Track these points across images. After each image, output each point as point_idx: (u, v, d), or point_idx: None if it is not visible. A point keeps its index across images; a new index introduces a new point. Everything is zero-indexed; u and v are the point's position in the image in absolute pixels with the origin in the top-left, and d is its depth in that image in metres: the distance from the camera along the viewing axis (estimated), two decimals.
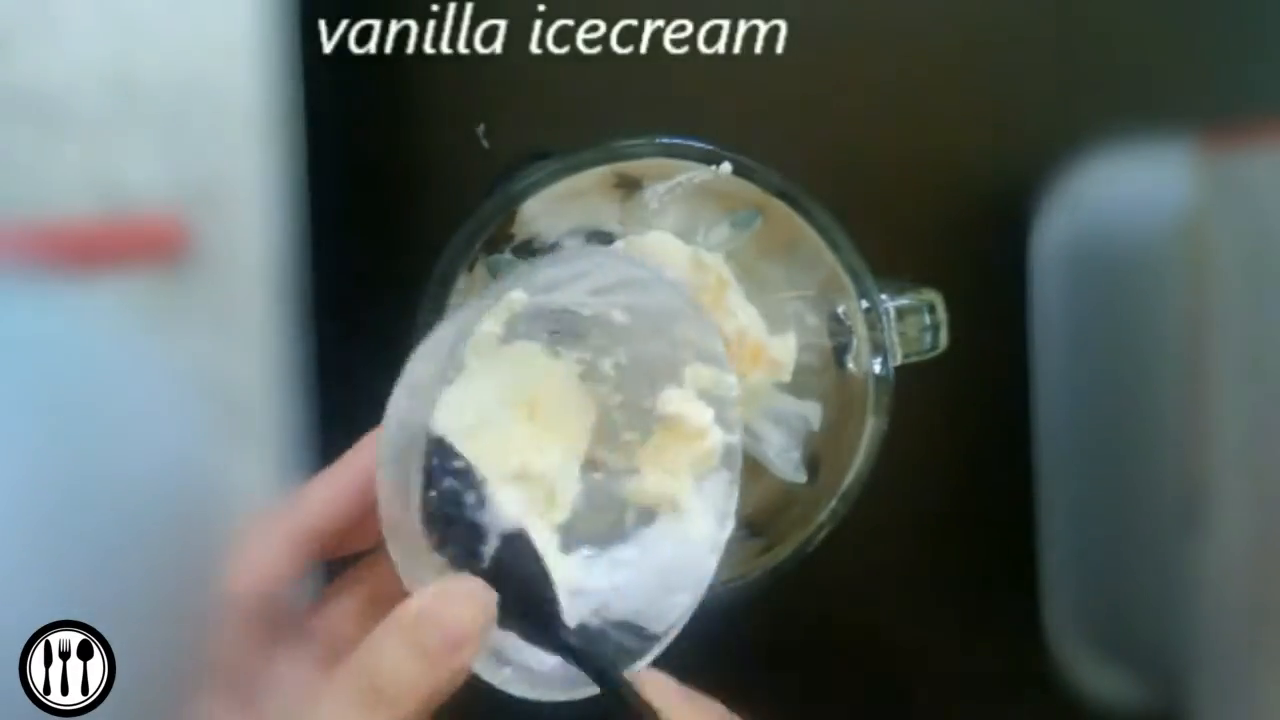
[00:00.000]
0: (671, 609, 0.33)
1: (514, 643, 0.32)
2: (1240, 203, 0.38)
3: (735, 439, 0.35)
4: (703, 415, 0.35)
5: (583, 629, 0.33)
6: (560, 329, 0.36)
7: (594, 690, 0.31)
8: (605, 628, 0.33)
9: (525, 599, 0.32)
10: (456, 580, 0.31)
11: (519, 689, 0.31)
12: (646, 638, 0.33)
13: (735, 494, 0.35)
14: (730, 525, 0.34)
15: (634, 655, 0.32)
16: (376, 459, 0.31)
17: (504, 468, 0.34)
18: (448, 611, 0.30)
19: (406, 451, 0.31)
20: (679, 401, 0.35)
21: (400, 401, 0.31)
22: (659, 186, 0.40)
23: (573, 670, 0.32)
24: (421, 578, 0.31)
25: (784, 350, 0.40)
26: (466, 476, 0.32)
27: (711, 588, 0.35)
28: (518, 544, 0.33)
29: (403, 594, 0.33)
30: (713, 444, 0.35)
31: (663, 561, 0.35)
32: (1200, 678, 0.39)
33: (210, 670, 0.30)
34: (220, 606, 0.28)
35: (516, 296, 0.33)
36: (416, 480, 0.31)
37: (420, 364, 0.32)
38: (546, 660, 0.32)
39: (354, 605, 0.34)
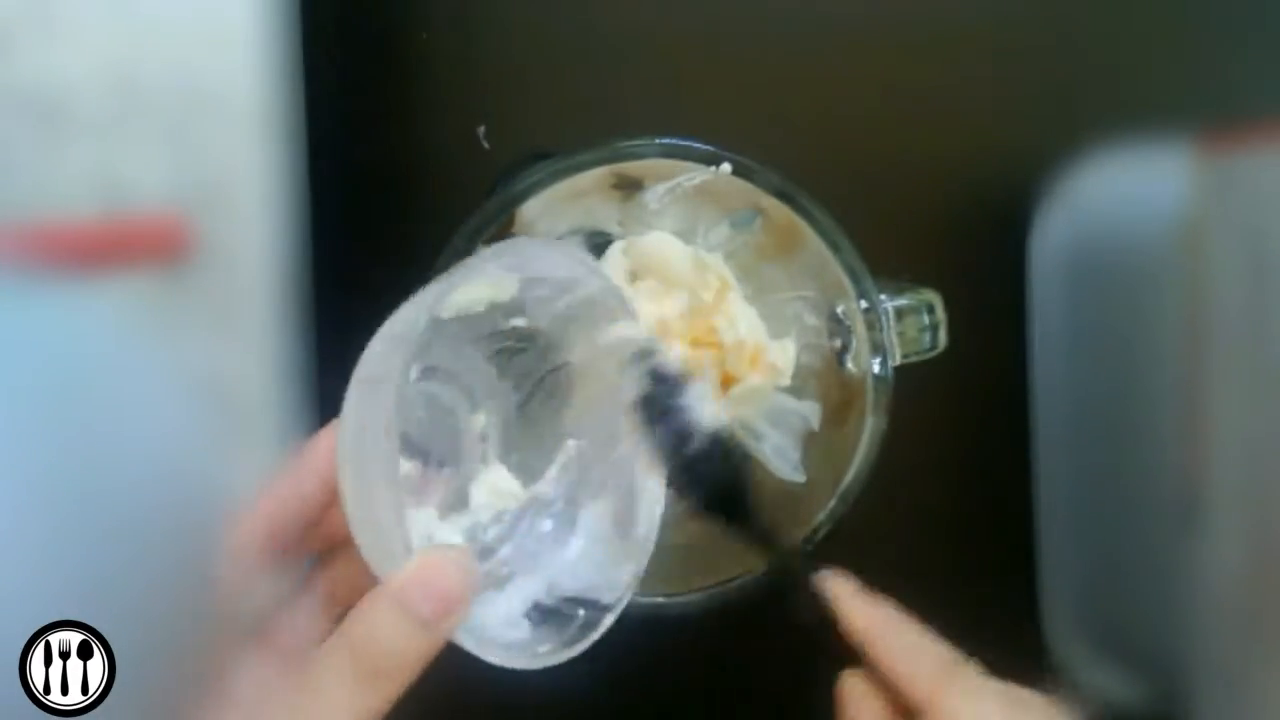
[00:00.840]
0: (619, 579, 0.35)
1: (482, 612, 0.33)
2: (1238, 203, 0.38)
3: None
4: None
5: (536, 607, 0.34)
6: (508, 344, 0.38)
7: (558, 659, 0.33)
8: (558, 605, 0.35)
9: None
10: (438, 548, 0.32)
11: (492, 655, 0.32)
12: (600, 608, 0.34)
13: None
14: (661, 502, 0.36)
15: (591, 626, 0.34)
16: (337, 450, 0.32)
17: None
18: (437, 577, 0.30)
19: (367, 435, 0.31)
20: None
21: (355, 393, 0.32)
22: (659, 187, 0.40)
23: (541, 639, 0.33)
24: (390, 557, 0.31)
25: (783, 356, 0.40)
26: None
27: (712, 588, 0.36)
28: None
29: (356, 595, 0.34)
30: None
31: (603, 536, 0.36)
32: (1199, 677, 0.39)
33: (208, 660, 0.30)
34: (208, 610, 0.28)
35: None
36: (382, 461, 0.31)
37: (380, 349, 0.32)
38: (515, 630, 0.34)
39: (306, 609, 0.34)
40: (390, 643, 0.29)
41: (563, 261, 0.36)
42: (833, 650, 0.35)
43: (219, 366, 0.38)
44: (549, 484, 0.38)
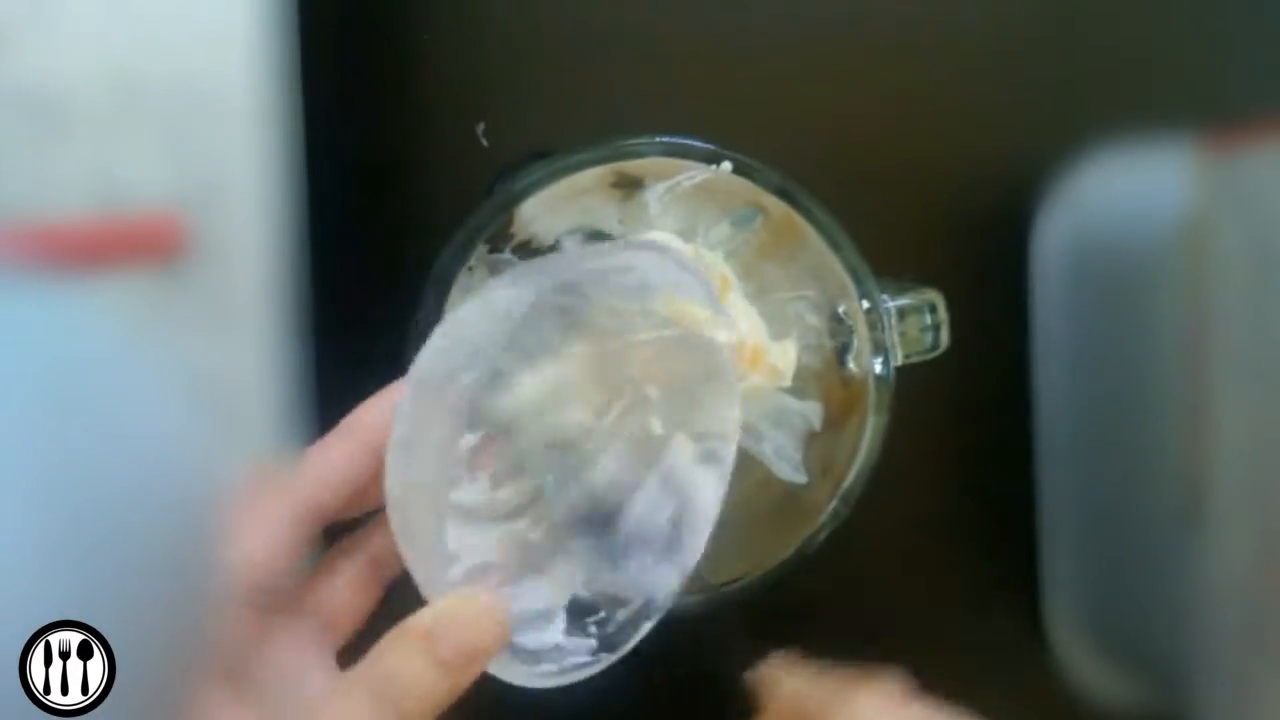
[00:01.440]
0: (663, 580, 0.33)
1: (519, 595, 0.32)
2: (1240, 202, 0.38)
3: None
4: None
5: (574, 601, 0.33)
6: (570, 316, 0.36)
7: (587, 673, 0.32)
8: (596, 599, 0.33)
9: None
10: (473, 593, 0.31)
11: (518, 676, 0.31)
12: (639, 612, 0.33)
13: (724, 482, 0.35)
14: (717, 506, 0.35)
15: (629, 627, 0.33)
16: (388, 452, 0.31)
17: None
18: (465, 625, 0.29)
19: (420, 449, 0.31)
20: None
21: (413, 396, 0.31)
22: (659, 186, 0.40)
23: (571, 648, 0.32)
24: (428, 569, 0.31)
25: (784, 357, 0.40)
26: None
27: (713, 589, 0.36)
28: None
29: (400, 560, 0.33)
30: None
31: (655, 528, 0.35)
32: (1200, 678, 0.39)
33: (209, 658, 0.29)
34: (219, 599, 0.28)
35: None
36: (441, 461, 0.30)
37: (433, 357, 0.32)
38: (548, 629, 0.33)
39: (352, 575, 0.33)
40: (408, 681, 0.29)
41: (659, 263, 0.35)
42: (834, 652, 0.35)
43: (217, 366, 0.38)
44: (608, 458, 0.36)
